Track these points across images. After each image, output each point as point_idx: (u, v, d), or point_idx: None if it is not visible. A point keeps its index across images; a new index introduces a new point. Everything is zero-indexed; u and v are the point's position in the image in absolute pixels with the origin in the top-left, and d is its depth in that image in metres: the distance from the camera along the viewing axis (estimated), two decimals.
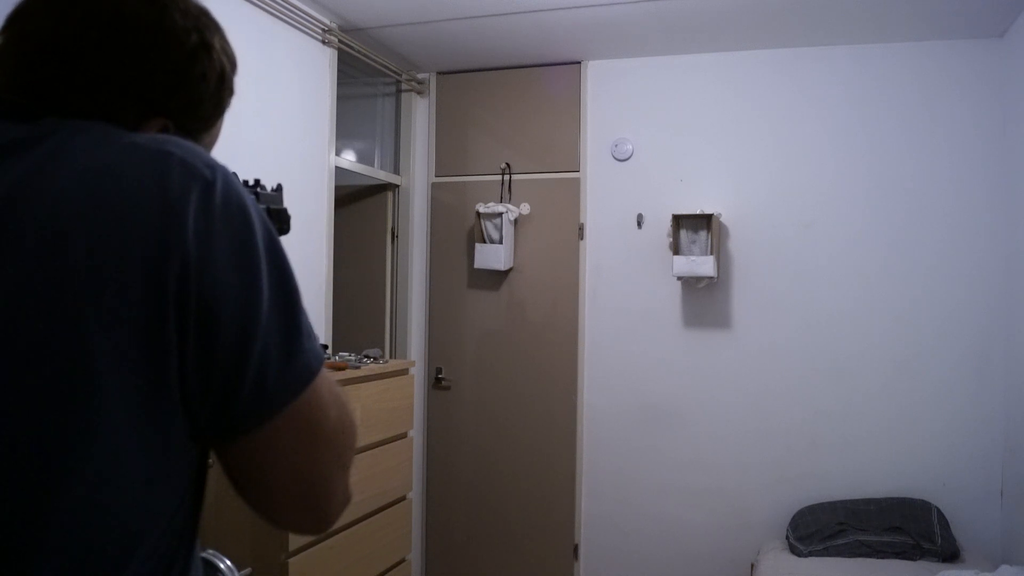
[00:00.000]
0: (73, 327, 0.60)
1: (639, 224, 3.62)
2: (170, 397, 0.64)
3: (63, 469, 0.60)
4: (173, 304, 0.62)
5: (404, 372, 2.99)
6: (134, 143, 0.67)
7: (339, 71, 3.32)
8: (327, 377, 0.72)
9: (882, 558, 2.97)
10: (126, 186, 0.63)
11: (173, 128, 0.76)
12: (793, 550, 3.11)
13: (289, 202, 1.05)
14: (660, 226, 3.56)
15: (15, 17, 0.74)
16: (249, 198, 0.69)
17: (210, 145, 0.85)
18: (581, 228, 3.70)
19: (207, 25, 0.78)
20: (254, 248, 0.67)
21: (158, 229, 0.62)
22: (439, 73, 3.93)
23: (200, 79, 0.77)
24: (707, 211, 3.44)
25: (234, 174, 0.88)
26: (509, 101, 3.83)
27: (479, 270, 3.75)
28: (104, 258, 0.61)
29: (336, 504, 0.75)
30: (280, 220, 1.00)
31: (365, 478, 2.61)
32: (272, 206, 0.98)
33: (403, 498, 2.93)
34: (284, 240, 0.91)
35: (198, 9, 0.78)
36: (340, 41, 3.26)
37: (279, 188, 1.03)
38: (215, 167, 0.68)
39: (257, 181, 1.00)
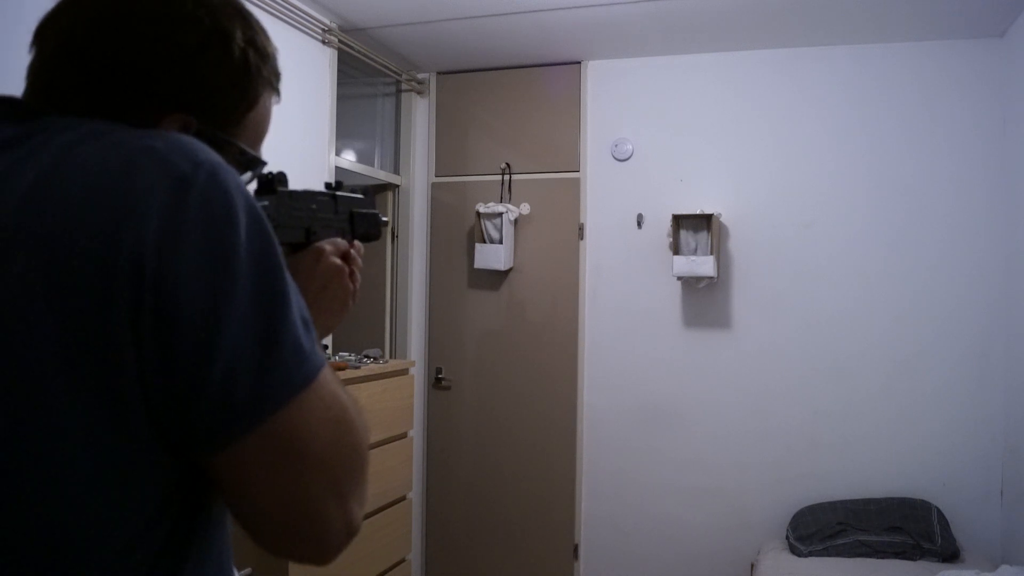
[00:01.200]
0: (19, 332, 0.57)
1: (639, 224, 3.62)
2: (129, 407, 0.59)
3: (4, 482, 0.58)
4: (126, 308, 0.58)
5: (404, 372, 2.99)
6: (120, 140, 0.63)
7: (339, 71, 3.32)
8: (322, 394, 0.65)
9: (882, 558, 2.97)
10: (87, 183, 0.59)
11: (195, 123, 0.72)
12: (793, 550, 3.11)
13: None
14: (660, 226, 3.56)
15: (42, 24, 0.73)
16: (244, 201, 0.63)
17: (253, 140, 0.80)
18: (581, 228, 3.70)
19: (227, 13, 0.74)
20: (231, 253, 0.60)
21: (109, 227, 0.58)
22: (439, 73, 3.93)
23: (215, 68, 0.73)
24: (707, 211, 3.44)
25: (276, 175, 0.83)
26: (509, 101, 3.82)
27: (479, 270, 3.75)
28: (51, 261, 0.58)
29: (333, 535, 0.67)
30: (368, 225, 0.96)
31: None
32: (357, 209, 0.94)
33: (403, 498, 2.94)
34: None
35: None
36: (340, 41, 3.26)
37: (367, 191, 0.98)
38: (202, 163, 0.62)
39: (340, 183, 0.96)
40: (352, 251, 0.92)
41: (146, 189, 0.59)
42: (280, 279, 0.64)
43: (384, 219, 1.01)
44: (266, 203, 0.81)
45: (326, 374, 0.67)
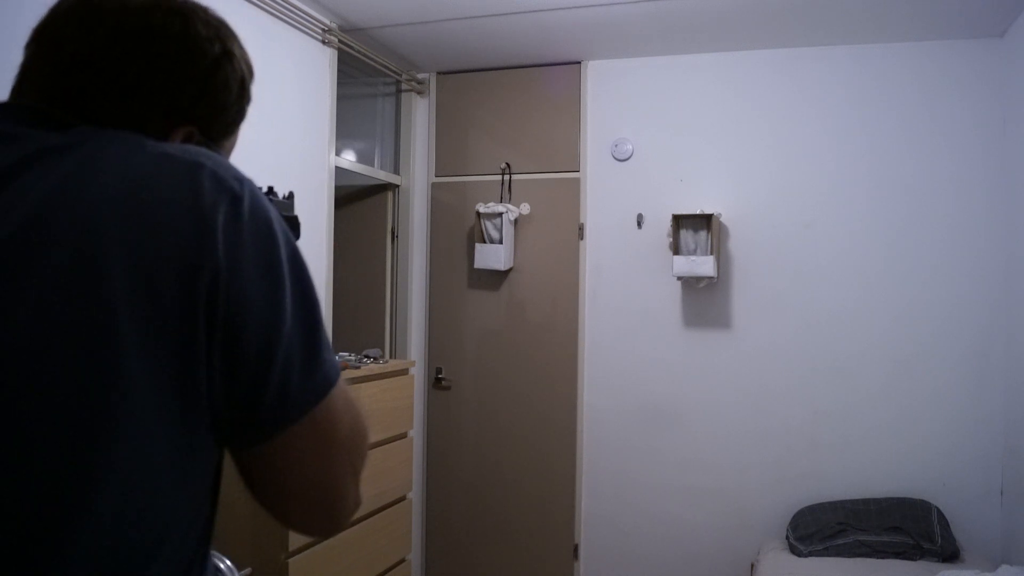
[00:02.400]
0: (106, 334, 0.61)
1: (639, 224, 3.62)
2: (198, 403, 0.66)
3: (92, 474, 0.61)
4: (203, 314, 0.64)
5: (404, 372, 2.99)
6: (167, 154, 0.68)
7: (339, 71, 3.32)
8: (343, 387, 0.75)
9: (882, 558, 2.97)
10: (160, 197, 0.65)
11: (198, 135, 0.79)
12: (793, 550, 3.11)
13: None
14: (660, 226, 3.56)
15: (42, 30, 0.76)
16: (273, 212, 0.71)
17: (230, 151, 0.87)
18: (581, 228, 3.70)
19: (227, 35, 0.81)
20: (278, 262, 0.69)
21: (192, 240, 0.64)
22: (439, 73, 3.93)
23: (224, 86, 0.80)
24: (707, 211, 3.44)
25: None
26: (509, 101, 3.83)
27: (479, 270, 3.75)
28: (139, 266, 0.62)
29: (347, 508, 0.78)
30: (291, 227, 1.00)
31: (365, 478, 2.60)
32: (283, 213, 0.99)
33: (403, 498, 2.93)
34: None
35: (218, 20, 0.81)
36: (340, 41, 3.26)
37: (291, 196, 1.06)
38: (243, 180, 0.70)
39: (271, 188, 1.01)
40: None
41: (211, 206, 0.66)
42: (311, 285, 0.73)
43: (299, 220, 1.05)
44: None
45: None
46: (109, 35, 0.73)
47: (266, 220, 0.70)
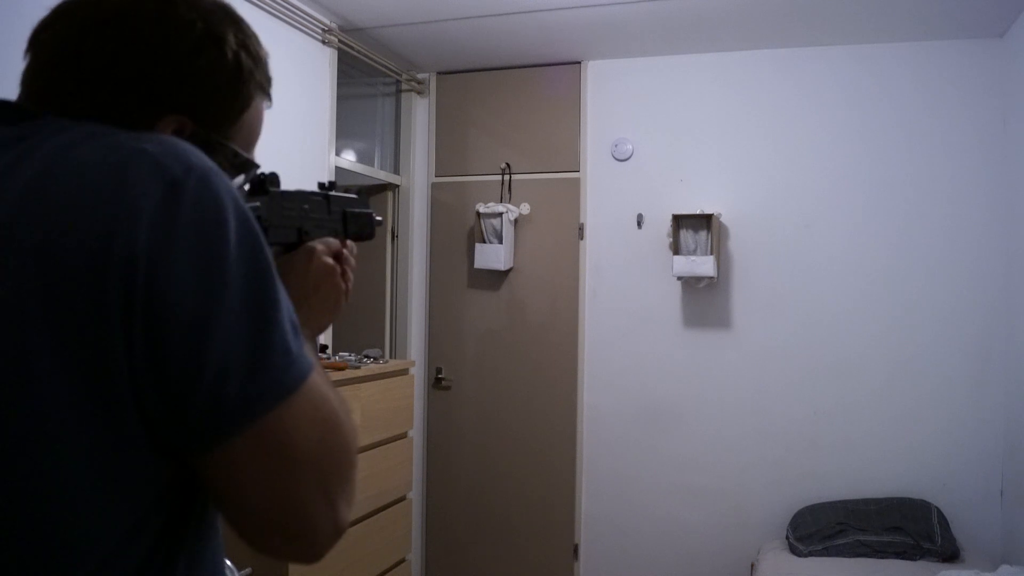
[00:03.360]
0: (15, 332, 0.58)
1: (639, 224, 3.62)
2: (120, 407, 0.60)
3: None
4: (118, 310, 0.58)
5: (404, 372, 2.99)
6: (115, 142, 0.63)
7: (339, 71, 3.32)
8: (312, 396, 0.66)
9: (882, 558, 2.97)
10: (82, 184, 0.60)
11: (192, 126, 0.74)
12: (793, 550, 3.11)
13: None
14: (660, 226, 3.56)
15: (36, 32, 0.74)
16: (236, 205, 0.64)
17: (247, 140, 0.81)
18: (581, 228, 3.70)
19: (220, 18, 0.76)
20: (221, 257, 0.61)
21: (104, 232, 0.59)
22: (439, 73, 3.93)
23: (208, 70, 0.74)
24: (707, 211, 3.44)
25: (268, 175, 0.84)
26: (509, 101, 3.82)
27: (479, 270, 3.75)
28: (48, 259, 0.58)
29: (320, 535, 0.68)
30: (361, 224, 0.96)
31: (365, 478, 2.61)
32: (350, 209, 0.94)
33: (403, 498, 2.94)
34: None
35: (211, 4, 0.76)
36: (340, 41, 3.26)
37: (361, 192, 0.98)
38: (193, 167, 0.63)
39: (333, 183, 0.96)
40: (344, 251, 0.92)
41: (139, 193, 0.60)
42: (269, 283, 0.65)
43: (379, 219, 1.00)
44: (257, 204, 0.81)
45: (315, 377, 0.68)
46: (84, 24, 0.71)
47: (215, 210, 0.62)
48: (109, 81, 0.70)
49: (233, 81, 0.76)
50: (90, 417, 0.59)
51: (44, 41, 0.73)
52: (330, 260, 0.89)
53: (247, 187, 0.84)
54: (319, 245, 0.89)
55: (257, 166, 0.83)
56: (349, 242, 0.94)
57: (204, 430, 0.62)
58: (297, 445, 0.65)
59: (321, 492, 0.67)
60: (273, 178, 0.85)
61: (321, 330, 0.92)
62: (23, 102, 0.72)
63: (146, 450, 0.62)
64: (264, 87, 0.82)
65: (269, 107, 0.85)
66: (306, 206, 0.89)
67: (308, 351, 0.69)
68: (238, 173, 0.81)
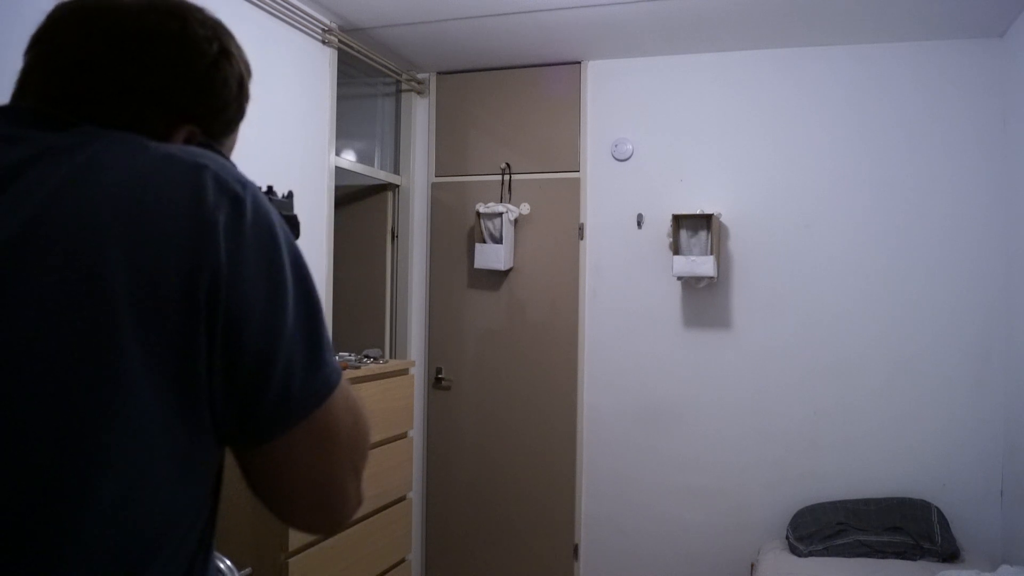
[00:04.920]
0: (108, 334, 0.62)
1: (639, 224, 3.62)
2: (199, 402, 0.66)
3: (92, 468, 0.61)
4: (203, 315, 0.65)
5: (404, 372, 2.99)
6: (170, 155, 0.69)
7: (339, 71, 3.32)
8: (345, 388, 0.76)
9: (882, 558, 2.97)
10: (162, 199, 0.66)
11: (199, 134, 0.79)
12: (793, 550, 3.11)
13: None
14: (660, 226, 3.56)
15: (40, 36, 0.76)
16: (275, 215, 0.72)
17: (231, 149, 0.87)
18: (581, 228, 3.70)
19: (225, 34, 0.82)
20: (280, 265, 0.70)
21: (193, 242, 0.65)
22: (439, 73, 3.93)
23: (223, 85, 0.80)
24: (707, 211, 3.44)
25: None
26: (509, 101, 3.83)
27: (479, 270, 3.75)
28: (140, 267, 0.63)
29: (349, 506, 0.79)
30: (290, 226, 1.01)
31: (365, 478, 2.60)
32: (282, 212, 0.99)
33: (403, 498, 2.93)
34: None
35: (214, 20, 0.82)
36: (340, 41, 3.26)
37: (290, 195, 1.05)
38: (246, 184, 0.71)
39: (270, 188, 1.01)
40: None
41: (213, 208, 0.66)
42: (314, 288, 0.74)
43: (298, 219, 1.04)
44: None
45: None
46: (107, 37, 0.74)
47: (268, 223, 0.70)
48: (138, 95, 0.75)
49: (238, 93, 0.84)
50: (175, 413, 0.65)
51: (57, 46, 0.75)
52: None
53: None
54: None
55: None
56: None
57: (274, 420, 0.70)
58: (339, 430, 0.75)
59: (352, 469, 0.78)
60: None
61: None
62: (39, 106, 0.74)
63: (212, 442, 0.70)
64: (249, 94, 0.88)
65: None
66: None
67: None
68: None
